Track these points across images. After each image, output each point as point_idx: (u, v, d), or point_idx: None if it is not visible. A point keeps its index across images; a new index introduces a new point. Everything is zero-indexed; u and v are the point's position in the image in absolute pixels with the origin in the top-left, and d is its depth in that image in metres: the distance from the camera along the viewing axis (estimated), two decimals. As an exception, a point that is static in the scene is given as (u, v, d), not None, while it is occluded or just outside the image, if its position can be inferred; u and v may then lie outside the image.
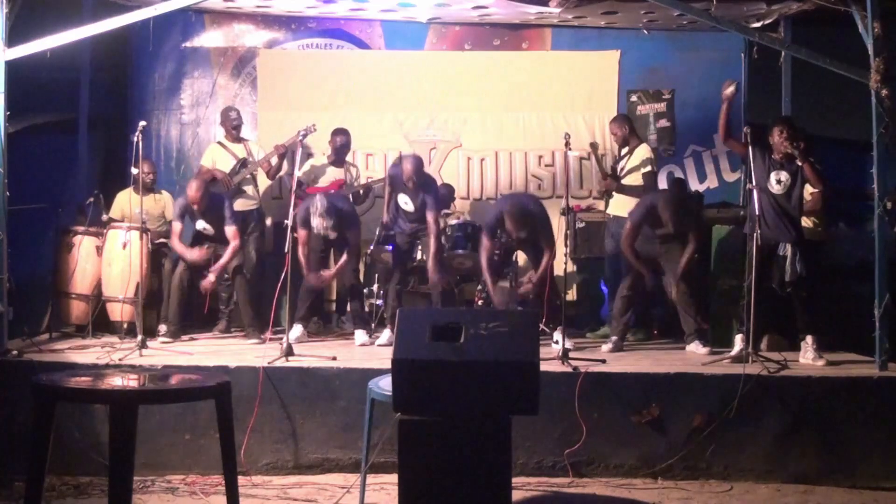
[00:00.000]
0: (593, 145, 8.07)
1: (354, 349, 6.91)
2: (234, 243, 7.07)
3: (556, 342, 6.63)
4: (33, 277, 7.12)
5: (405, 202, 7.28)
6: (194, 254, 7.07)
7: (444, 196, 7.82)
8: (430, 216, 7.15)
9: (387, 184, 7.48)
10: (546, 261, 6.84)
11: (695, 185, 8.62)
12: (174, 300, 7.04)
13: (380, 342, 6.99)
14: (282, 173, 8.09)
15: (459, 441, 4.03)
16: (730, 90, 6.55)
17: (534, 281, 6.86)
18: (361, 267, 7.78)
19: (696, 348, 6.79)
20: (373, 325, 7.42)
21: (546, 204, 7.34)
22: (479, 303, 7.30)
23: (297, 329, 7.01)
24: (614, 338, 6.96)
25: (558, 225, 7.29)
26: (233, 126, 7.90)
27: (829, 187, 6.95)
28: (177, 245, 7.10)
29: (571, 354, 6.17)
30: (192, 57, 8.76)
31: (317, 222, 6.84)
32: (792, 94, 8.01)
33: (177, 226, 7.14)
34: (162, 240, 7.55)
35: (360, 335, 7.11)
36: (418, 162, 7.26)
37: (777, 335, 6.87)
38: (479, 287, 7.30)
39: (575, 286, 8.06)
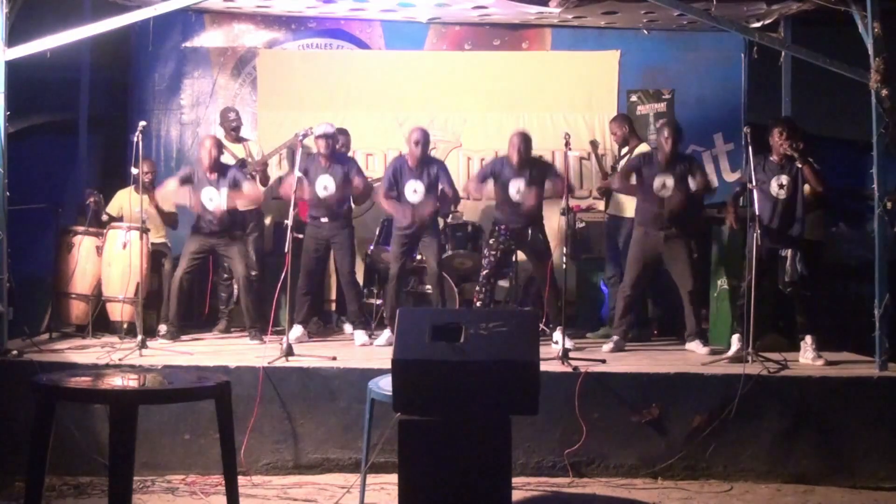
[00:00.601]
0: (593, 143, 8.06)
1: (354, 349, 6.91)
2: (253, 193, 7.16)
3: (556, 342, 6.62)
4: (33, 277, 7.11)
5: (413, 190, 7.13)
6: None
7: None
8: (446, 187, 7.17)
9: (387, 177, 7.23)
10: (562, 187, 6.68)
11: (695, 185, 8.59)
12: (174, 301, 7.03)
13: (379, 342, 6.99)
14: (280, 175, 8.08)
15: (459, 441, 4.03)
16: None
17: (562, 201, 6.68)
18: (361, 267, 7.77)
19: (696, 348, 6.79)
20: (373, 325, 7.41)
21: (546, 204, 7.33)
22: (478, 303, 7.29)
23: (297, 329, 7.00)
24: (615, 338, 6.95)
25: (558, 225, 7.29)
26: (231, 127, 7.90)
27: (828, 188, 6.95)
28: (159, 192, 7.22)
29: (571, 354, 6.18)
30: (192, 57, 8.76)
31: (320, 130, 6.99)
32: (792, 94, 7.99)
33: (172, 183, 7.15)
34: (161, 239, 7.57)
35: (360, 335, 7.10)
36: (426, 133, 7.21)
37: (777, 335, 6.87)
38: (478, 288, 7.29)
39: (575, 286, 8.05)
